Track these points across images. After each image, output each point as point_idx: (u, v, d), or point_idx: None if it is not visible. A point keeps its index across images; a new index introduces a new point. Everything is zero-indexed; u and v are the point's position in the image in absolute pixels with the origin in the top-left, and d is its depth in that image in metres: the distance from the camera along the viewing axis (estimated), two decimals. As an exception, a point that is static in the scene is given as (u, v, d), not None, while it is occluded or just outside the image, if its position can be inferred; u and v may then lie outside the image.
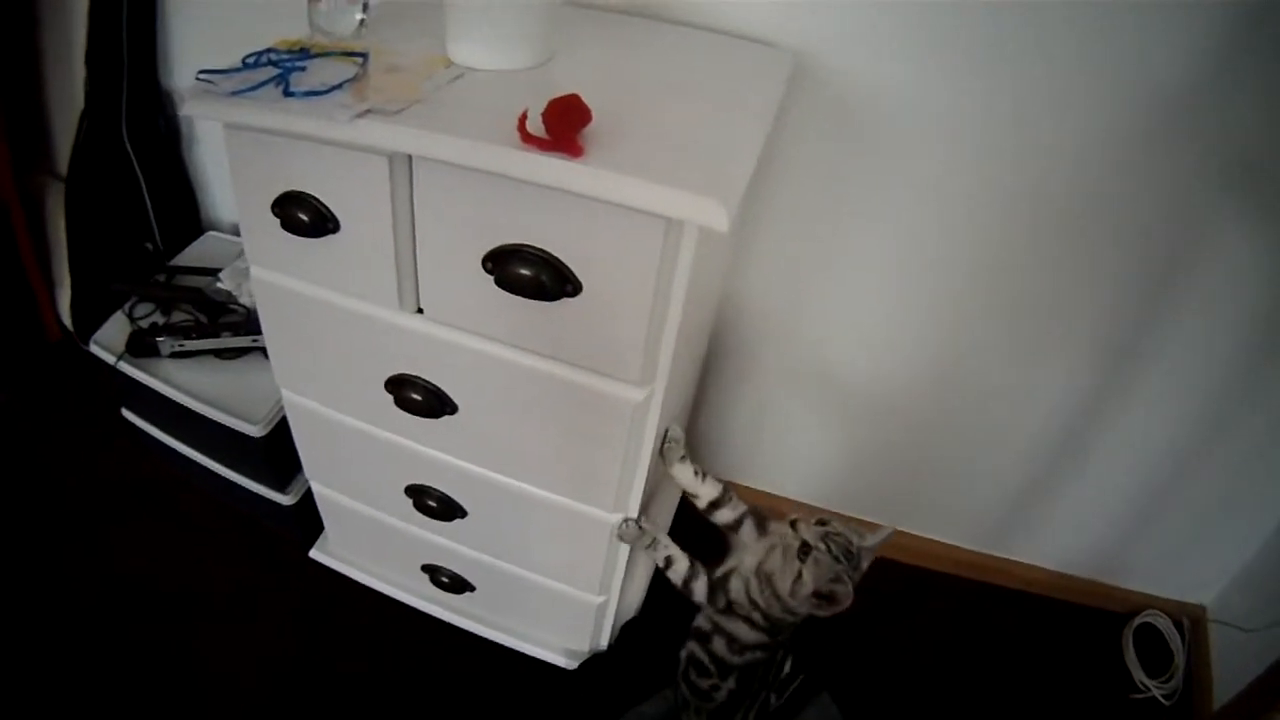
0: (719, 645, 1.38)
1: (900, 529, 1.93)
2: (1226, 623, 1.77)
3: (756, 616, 1.32)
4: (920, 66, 1.30)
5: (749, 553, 1.32)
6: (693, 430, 1.94)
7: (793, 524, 1.25)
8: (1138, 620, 1.89)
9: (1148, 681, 1.78)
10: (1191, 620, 1.87)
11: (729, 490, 1.37)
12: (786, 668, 1.55)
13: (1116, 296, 1.47)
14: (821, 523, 1.24)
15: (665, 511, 1.81)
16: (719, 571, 1.36)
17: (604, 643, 1.61)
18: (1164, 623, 1.87)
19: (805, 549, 1.21)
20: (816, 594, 1.21)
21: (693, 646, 1.45)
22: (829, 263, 1.58)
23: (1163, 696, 1.76)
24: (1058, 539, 1.88)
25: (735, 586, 1.32)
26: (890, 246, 1.52)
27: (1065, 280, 1.47)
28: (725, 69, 1.23)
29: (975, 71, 1.28)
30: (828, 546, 1.20)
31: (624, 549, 1.36)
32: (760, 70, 1.24)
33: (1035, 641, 1.88)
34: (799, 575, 1.21)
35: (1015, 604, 1.94)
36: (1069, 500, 1.79)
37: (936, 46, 1.28)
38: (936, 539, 1.96)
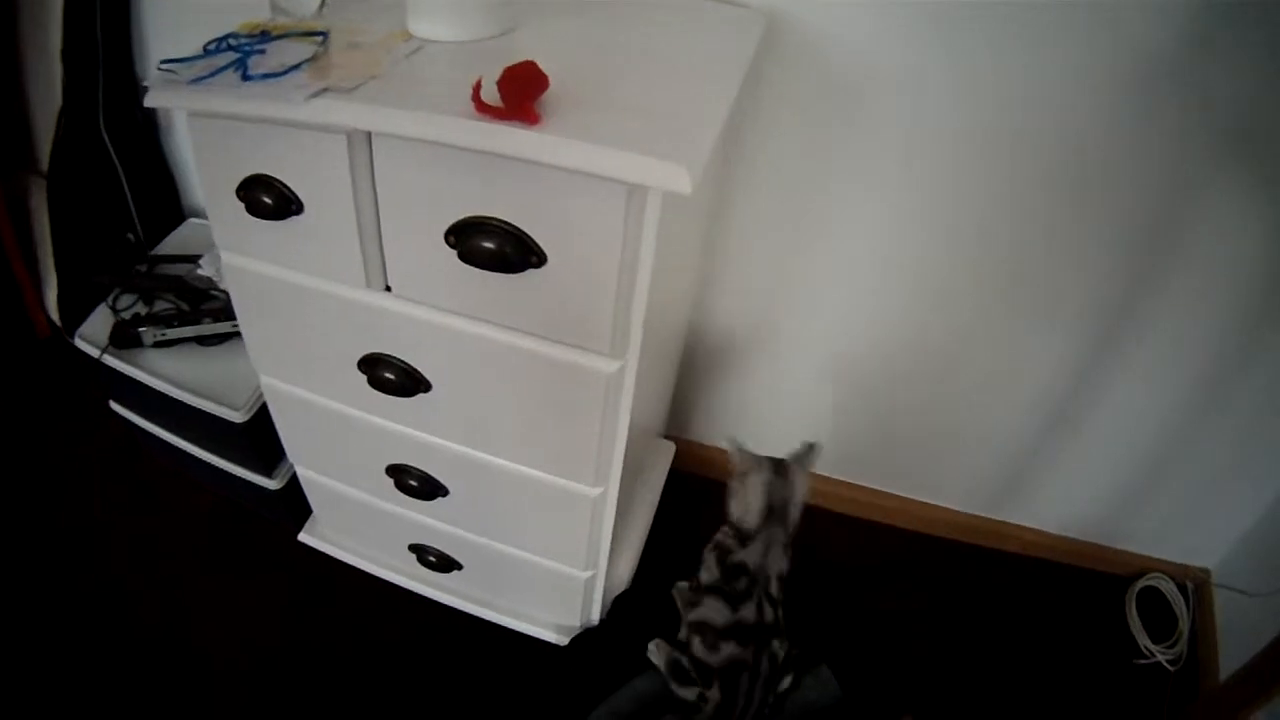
0: (696, 646, 1.39)
1: (897, 493, 1.95)
2: (1231, 587, 1.76)
3: (712, 567, 1.40)
4: (900, 26, 1.28)
5: None
6: (682, 401, 1.94)
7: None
8: (1141, 584, 1.87)
9: (1152, 646, 1.77)
10: (1196, 584, 1.86)
11: None
12: (785, 683, 1.53)
13: (1112, 259, 1.44)
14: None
15: (653, 486, 1.81)
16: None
17: (595, 617, 1.61)
18: (1168, 586, 1.86)
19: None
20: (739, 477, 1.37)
21: (673, 653, 1.46)
22: (813, 230, 1.56)
23: (1167, 661, 1.75)
24: (1058, 501, 1.87)
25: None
26: (877, 212, 1.50)
27: (1059, 243, 1.45)
28: (693, 32, 1.21)
29: (957, 28, 1.26)
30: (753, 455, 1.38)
31: (609, 523, 1.35)
32: (730, 32, 1.22)
33: (1037, 606, 1.87)
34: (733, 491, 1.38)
35: (1016, 568, 1.94)
36: (1069, 462, 1.78)
37: (916, 6, 1.25)
38: (934, 503, 1.96)
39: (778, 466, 1.37)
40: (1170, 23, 1.16)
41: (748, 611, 1.36)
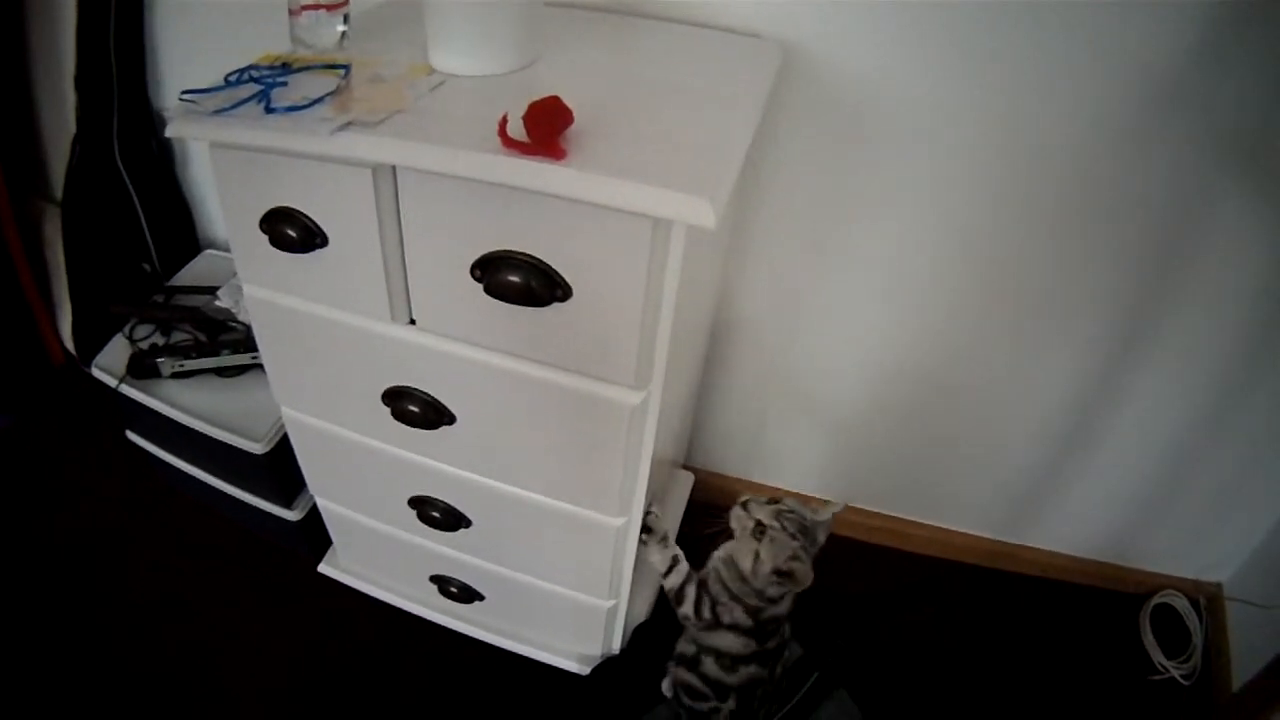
0: (710, 666, 1.39)
1: (912, 518, 1.95)
2: (1243, 600, 1.76)
3: (739, 615, 1.34)
4: (912, 54, 1.29)
5: (720, 550, 1.37)
6: (699, 430, 1.93)
7: (744, 505, 1.33)
8: (1154, 601, 1.87)
9: (1166, 662, 1.77)
10: (1208, 599, 1.85)
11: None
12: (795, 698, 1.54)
13: (1120, 278, 1.45)
14: (774, 501, 1.32)
15: (672, 516, 1.80)
16: (700, 577, 1.39)
17: (616, 646, 1.60)
18: (1181, 603, 1.85)
19: (760, 528, 1.29)
20: (777, 571, 1.28)
21: (679, 673, 1.45)
22: (827, 255, 1.56)
23: (1181, 677, 1.75)
24: (1072, 523, 1.86)
25: (713, 581, 1.36)
26: (889, 237, 1.51)
27: (1068, 263, 1.46)
28: (712, 64, 1.22)
29: (967, 56, 1.27)
30: (782, 525, 1.28)
31: (631, 552, 1.35)
32: (747, 64, 1.22)
33: (1052, 627, 1.86)
34: (757, 555, 1.28)
35: (1031, 590, 1.93)
36: (1082, 483, 1.77)
37: (928, 33, 1.26)
38: (948, 527, 1.95)
39: (809, 539, 1.30)
40: (1177, 42, 1.18)
41: (771, 642, 1.38)
